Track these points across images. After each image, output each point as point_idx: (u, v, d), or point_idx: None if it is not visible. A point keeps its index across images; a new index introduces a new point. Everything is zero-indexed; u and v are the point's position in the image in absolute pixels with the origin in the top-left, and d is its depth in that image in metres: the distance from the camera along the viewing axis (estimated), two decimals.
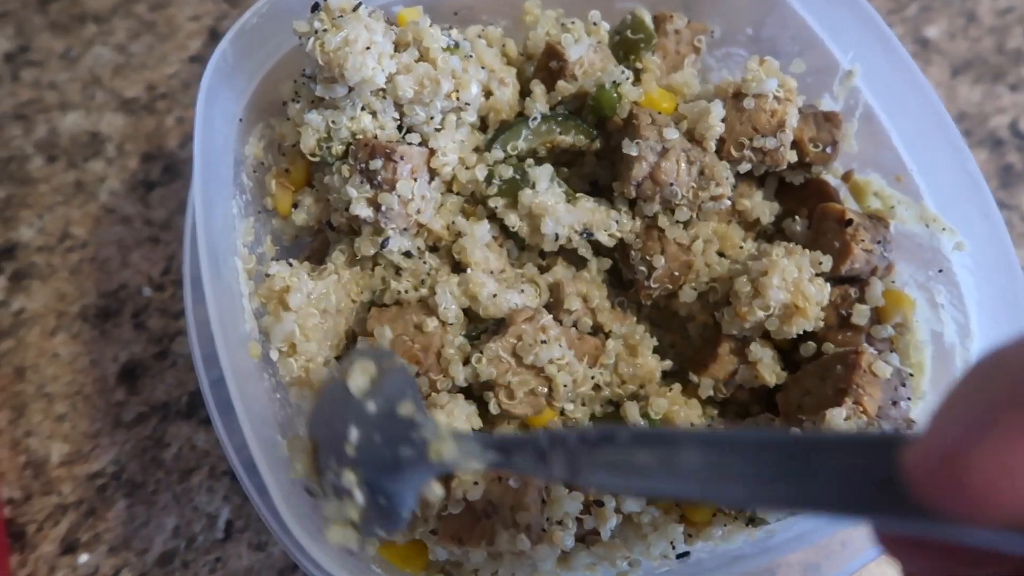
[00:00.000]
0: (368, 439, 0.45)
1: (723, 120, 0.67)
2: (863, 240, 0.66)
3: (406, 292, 0.67)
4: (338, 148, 0.65)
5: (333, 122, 0.65)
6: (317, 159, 0.66)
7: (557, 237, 0.67)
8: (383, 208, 0.63)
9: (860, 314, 0.66)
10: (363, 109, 0.65)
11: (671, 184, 0.65)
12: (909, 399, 0.61)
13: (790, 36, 0.77)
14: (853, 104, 0.73)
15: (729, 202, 0.69)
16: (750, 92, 0.67)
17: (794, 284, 0.63)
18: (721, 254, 0.71)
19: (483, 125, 0.72)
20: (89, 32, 1.08)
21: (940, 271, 0.68)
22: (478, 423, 0.63)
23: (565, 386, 0.61)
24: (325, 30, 0.61)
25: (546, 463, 0.40)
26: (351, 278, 0.68)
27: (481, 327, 0.65)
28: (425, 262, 0.68)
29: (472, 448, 0.44)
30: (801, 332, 0.64)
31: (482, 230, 0.67)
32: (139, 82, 1.04)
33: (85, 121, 1.01)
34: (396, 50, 0.65)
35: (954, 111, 0.75)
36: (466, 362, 0.63)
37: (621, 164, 0.67)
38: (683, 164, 0.65)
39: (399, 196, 0.63)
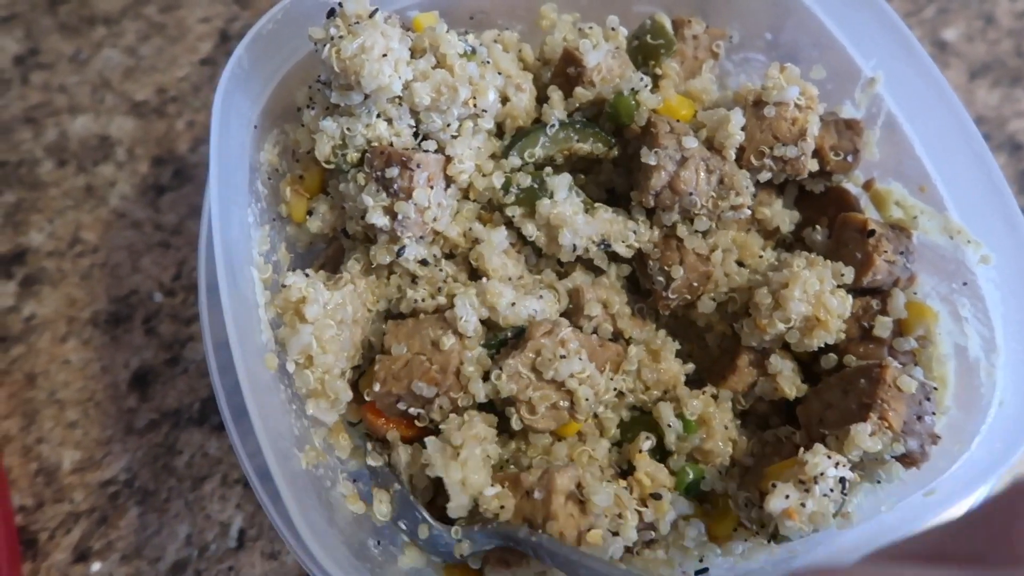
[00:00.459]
0: None
1: (743, 128, 0.66)
2: (886, 251, 0.65)
3: (422, 300, 0.66)
4: (353, 155, 0.65)
5: (348, 129, 0.64)
6: (332, 166, 0.66)
7: (575, 248, 0.66)
8: (399, 217, 0.62)
9: (882, 326, 0.65)
10: (379, 116, 0.64)
11: (690, 194, 0.64)
12: (934, 414, 0.60)
13: (810, 41, 0.75)
14: (875, 112, 0.72)
15: (749, 211, 0.68)
16: (770, 100, 0.67)
17: (816, 296, 0.62)
18: (740, 263, 0.70)
19: (499, 131, 0.71)
20: (99, 34, 1.07)
21: (964, 284, 0.67)
22: (496, 451, 0.63)
23: (587, 399, 0.60)
24: (341, 36, 0.60)
25: None
26: (367, 287, 0.67)
27: (500, 336, 0.64)
28: (441, 270, 0.67)
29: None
30: (822, 345, 0.64)
31: (499, 237, 0.67)
32: (149, 85, 1.03)
33: (95, 124, 1.01)
34: (412, 56, 0.64)
35: (972, 115, 0.74)
36: (486, 377, 0.62)
37: (639, 173, 0.66)
38: (702, 173, 0.65)
39: (416, 204, 0.62)
